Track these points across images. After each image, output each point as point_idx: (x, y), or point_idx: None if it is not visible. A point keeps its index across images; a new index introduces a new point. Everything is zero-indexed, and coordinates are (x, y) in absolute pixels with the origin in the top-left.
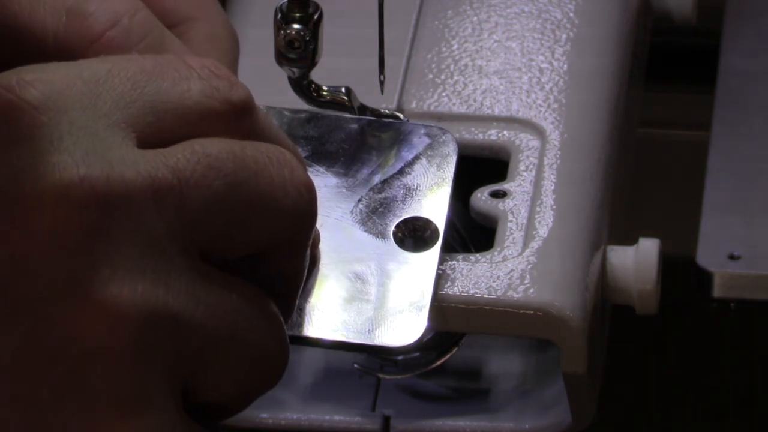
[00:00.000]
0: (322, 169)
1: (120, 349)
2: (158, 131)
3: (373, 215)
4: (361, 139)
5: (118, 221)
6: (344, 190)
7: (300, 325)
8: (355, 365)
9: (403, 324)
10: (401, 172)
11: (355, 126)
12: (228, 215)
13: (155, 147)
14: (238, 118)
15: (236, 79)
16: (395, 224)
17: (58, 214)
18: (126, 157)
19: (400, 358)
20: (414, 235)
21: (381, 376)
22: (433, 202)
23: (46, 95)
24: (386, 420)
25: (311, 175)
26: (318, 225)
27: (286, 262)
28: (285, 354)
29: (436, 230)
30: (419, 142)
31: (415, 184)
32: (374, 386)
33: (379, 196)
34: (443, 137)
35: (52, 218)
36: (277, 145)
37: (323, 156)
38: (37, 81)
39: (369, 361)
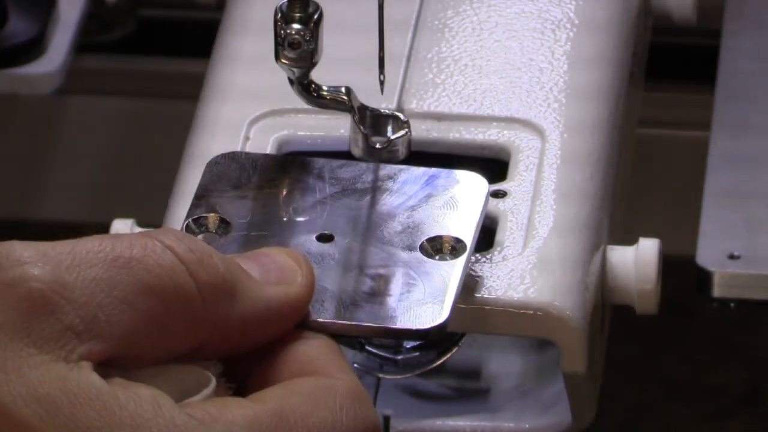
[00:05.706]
0: (352, 202)
1: None
2: None
3: (400, 234)
4: (392, 181)
5: None
6: (372, 217)
7: (319, 313)
8: (355, 365)
9: (425, 312)
10: (430, 203)
11: (386, 171)
12: None
13: None
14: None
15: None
16: (422, 240)
17: None
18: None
19: (399, 357)
20: (440, 251)
21: (381, 376)
22: (462, 224)
23: None
24: (386, 420)
25: (340, 205)
26: (343, 241)
27: None
28: None
29: (463, 245)
30: (448, 182)
31: (444, 212)
32: (374, 386)
33: (407, 220)
34: (475, 181)
35: None
36: None
37: (353, 193)
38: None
39: (369, 361)
